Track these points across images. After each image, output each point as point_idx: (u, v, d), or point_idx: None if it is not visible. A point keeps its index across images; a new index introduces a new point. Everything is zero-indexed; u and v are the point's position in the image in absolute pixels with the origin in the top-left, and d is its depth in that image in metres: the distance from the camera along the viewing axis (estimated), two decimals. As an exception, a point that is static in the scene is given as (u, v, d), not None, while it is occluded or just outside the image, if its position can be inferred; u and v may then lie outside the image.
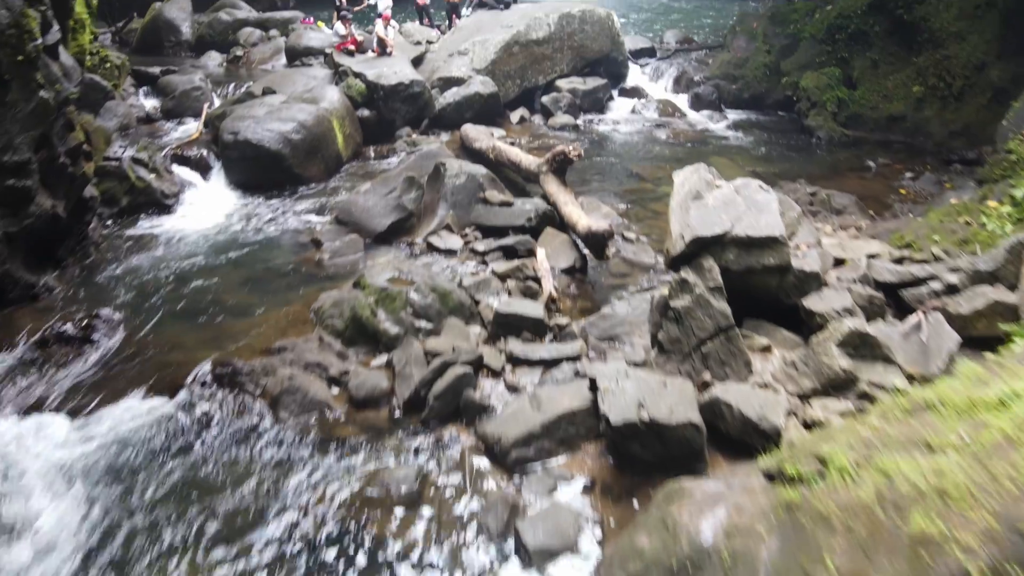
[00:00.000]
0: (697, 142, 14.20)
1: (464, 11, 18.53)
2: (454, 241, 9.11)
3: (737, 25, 17.78)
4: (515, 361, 6.48)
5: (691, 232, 6.25)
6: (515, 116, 15.55)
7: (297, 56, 16.97)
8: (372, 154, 13.43)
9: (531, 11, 16.80)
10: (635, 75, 18.15)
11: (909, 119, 13.84)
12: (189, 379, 6.36)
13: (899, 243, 8.07)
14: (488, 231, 9.24)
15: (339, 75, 14.39)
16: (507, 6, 17.85)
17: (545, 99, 15.71)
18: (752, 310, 6.43)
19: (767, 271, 6.15)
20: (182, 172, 11.43)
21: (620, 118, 15.83)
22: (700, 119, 15.93)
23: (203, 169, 11.69)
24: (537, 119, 15.62)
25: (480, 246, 8.92)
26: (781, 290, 6.25)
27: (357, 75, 14.11)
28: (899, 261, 7.06)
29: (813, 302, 6.08)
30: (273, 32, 19.53)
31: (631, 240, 9.09)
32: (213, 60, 18.10)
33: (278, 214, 10.56)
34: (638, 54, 18.94)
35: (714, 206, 6.55)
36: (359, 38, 15.50)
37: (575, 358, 6.41)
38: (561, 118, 15.22)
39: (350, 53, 15.17)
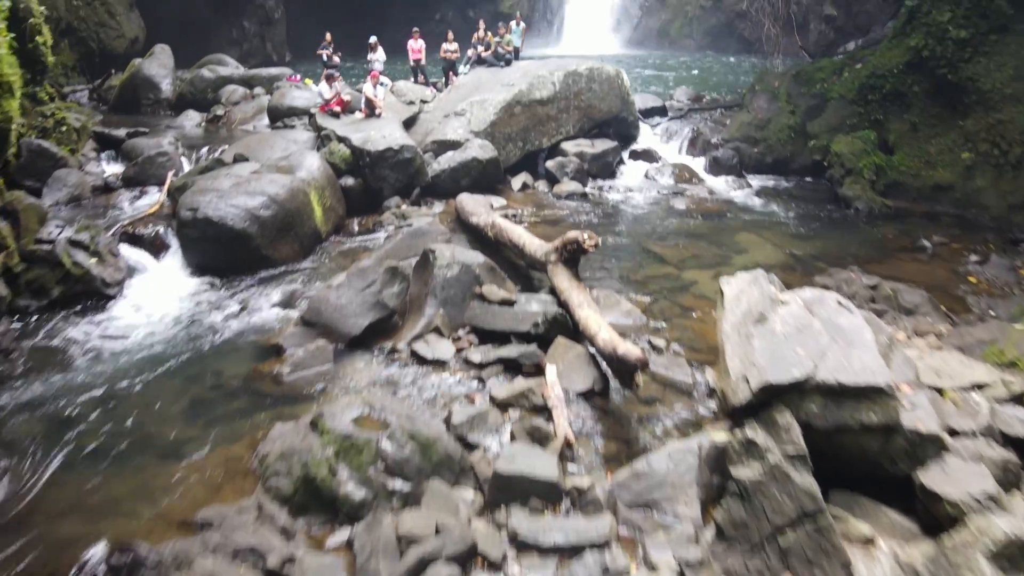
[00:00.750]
0: (720, 215, 12.69)
1: (462, 68, 17.28)
2: (444, 348, 7.47)
3: (756, 84, 16.48)
4: (520, 545, 4.76)
5: (759, 375, 4.61)
6: (517, 182, 14.10)
7: (280, 116, 15.62)
8: (356, 228, 11.91)
9: (534, 69, 15.52)
10: (646, 136, 16.78)
11: (958, 189, 12.36)
12: (74, 571, 4.65)
13: (999, 360, 6.44)
14: (486, 335, 7.62)
15: (322, 139, 12.98)
16: (508, 63, 16.60)
17: (550, 164, 14.28)
18: (841, 475, 4.76)
19: (867, 431, 4.50)
20: (132, 254, 9.90)
21: (632, 185, 14.37)
22: (720, 186, 14.48)
23: (158, 250, 10.16)
24: (541, 186, 14.17)
25: (476, 356, 7.28)
26: (885, 456, 4.58)
27: (341, 139, 12.68)
28: (1021, 399, 5.40)
29: (935, 479, 4.40)
30: (258, 90, 18.27)
31: (660, 349, 7.44)
32: (191, 120, 16.78)
33: (239, 306, 8.94)
34: (648, 113, 17.63)
35: (785, 333, 4.93)
36: (346, 98, 14.13)
37: (603, 544, 4.69)
38: (568, 185, 13.76)
39: (335, 115, 13.79)
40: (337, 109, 13.78)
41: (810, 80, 15.11)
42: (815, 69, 15.34)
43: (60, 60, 23.10)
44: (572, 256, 7.91)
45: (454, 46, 17.75)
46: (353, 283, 8.08)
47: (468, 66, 17.10)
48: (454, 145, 13.65)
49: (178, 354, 7.83)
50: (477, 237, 10.78)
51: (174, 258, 10.12)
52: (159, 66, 18.88)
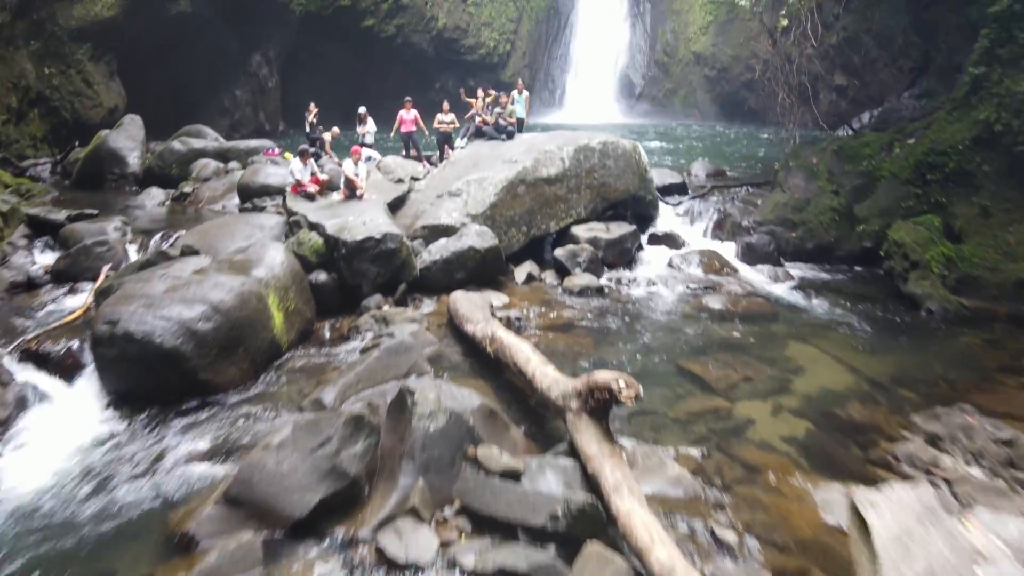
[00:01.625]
0: (763, 317, 10.60)
1: (458, 142, 15.51)
2: (423, 541, 5.27)
3: (790, 160, 14.65)
4: None
5: None
6: (521, 273, 12.11)
7: (251, 195, 13.77)
8: (327, 334, 9.85)
9: (540, 143, 13.72)
10: (667, 217, 14.90)
11: (1050, 287, 10.34)
12: None
13: None
14: (483, 520, 5.43)
15: (291, 226, 11.03)
16: (510, 136, 14.83)
17: (559, 252, 12.28)
18: None
19: None
20: (34, 378, 7.79)
21: (655, 276, 12.34)
22: (757, 278, 12.46)
23: (70, 372, 8.06)
24: (549, 277, 12.15)
25: (468, 557, 5.09)
26: None
27: (313, 226, 10.74)
28: None
29: None
30: (233, 164, 16.52)
31: (729, 548, 5.22)
32: (153, 198, 14.96)
33: (156, 456, 6.76)
34: (666, 191, 15.79)
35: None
36: (323, 177, 12.25)
37: None
38: (580, 278, 11.72)
39: (309, 197, 11.87)
40: (312, 190, 11.87)
41: (854, 156, 13.27)
42: (860, 144, 13.52)
43: (28, 131, 21.60)
44: (602, 407, 5.77)
45: (450, 117, 16.03)
46: (300, 441, 5.91)
47: (465, 139, 15.34)
48: (448, 231, 11.74)
49: (55, 542, 5.62)
50: (473, 348, 8.79)
51: (90, 382, 7.99)
52: (126, 138, 17.21)
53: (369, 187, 12.60)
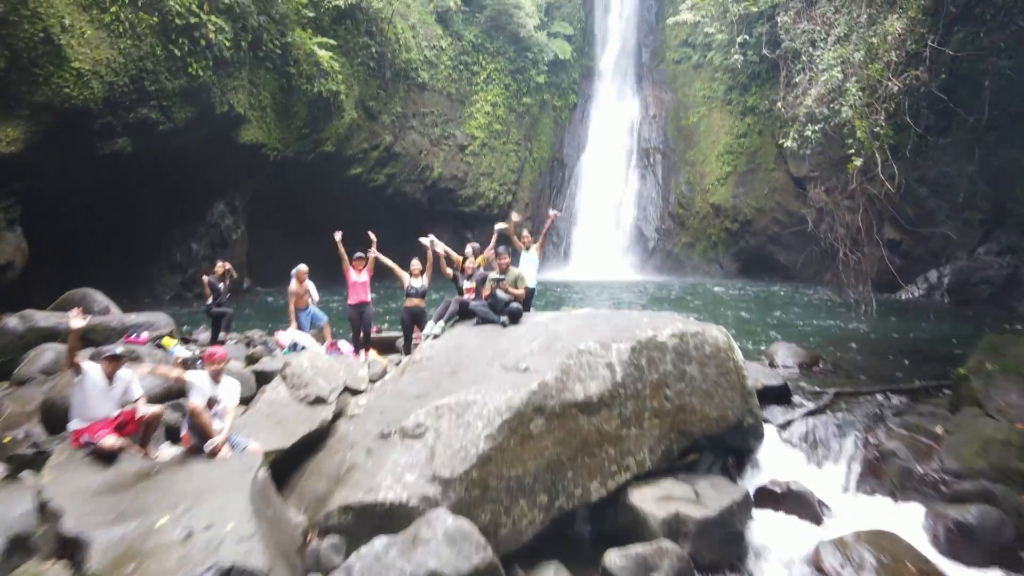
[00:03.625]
0: None
1: (433, 325, 9.68)
2: None
3: (987, 359, 8.76)
4: None
5: None
6: (537, 599, 5.97)
7: (60, 422, 7.84)
8: None
9: (568, 335, 7.95)
10: (774, 448, 8.83)
11: None
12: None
13: None
14: None
15: (11, 546, 4.97)
16: (514, 318, 9.13)
17: (617, 561, 6.11)
18: None
19: None
20: None
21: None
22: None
23: None
24: (594, 608, 5.99)
25: None
26: None
27: (66, 545, 4.71)
28: None
29: None
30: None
31: None
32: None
33: None
34: (762, 398, 9.79)
35: None
36: (146, 411, 6.30)
37: None
38: (664, 626, 5.56)
39: (104, 457, 5.84)
40: (109, 442, 5.87)
41: None
42: None
43: None
44: None
45: (421, 282, 10.52)
46: None
47: (443, 322, 9.61)
48: (392, 517, 5.77)
49: None
50: None
51: None
52: (-57, 312, 11.57)
53: (259, 418, 6.74)
